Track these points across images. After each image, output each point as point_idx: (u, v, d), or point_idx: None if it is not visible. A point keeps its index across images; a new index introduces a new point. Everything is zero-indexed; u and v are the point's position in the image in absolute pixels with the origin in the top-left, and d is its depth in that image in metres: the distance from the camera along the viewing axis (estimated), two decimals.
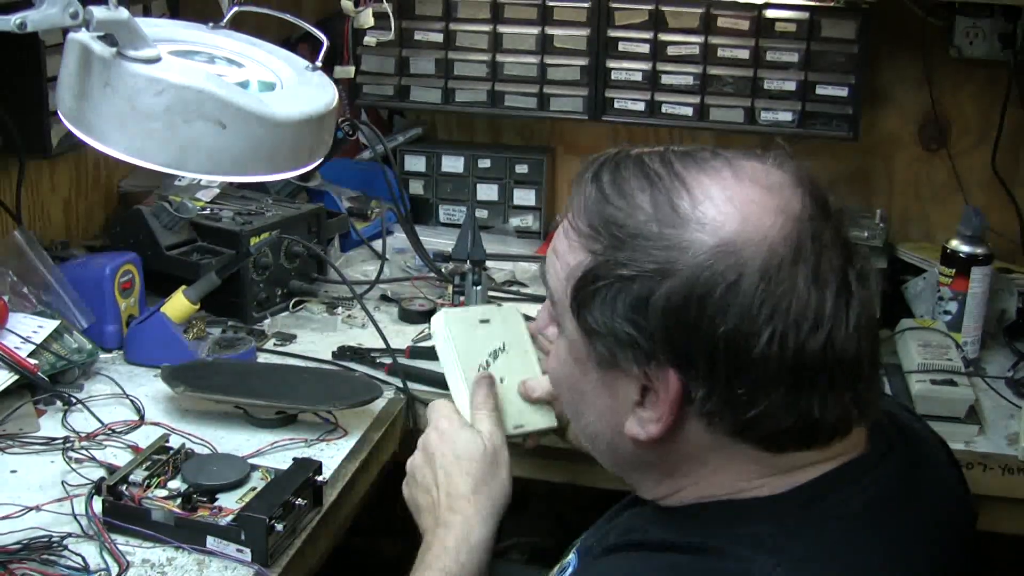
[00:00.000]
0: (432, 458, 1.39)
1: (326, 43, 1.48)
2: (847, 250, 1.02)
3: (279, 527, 1.36)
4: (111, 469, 1.49)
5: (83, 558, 1.33)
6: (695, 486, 1.08)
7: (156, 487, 1.42)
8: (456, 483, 1.35)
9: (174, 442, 1.53)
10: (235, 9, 1.50)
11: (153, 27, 1.37)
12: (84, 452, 1.57)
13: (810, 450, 1.04)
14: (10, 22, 1.22)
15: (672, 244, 0.99)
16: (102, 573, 1.31)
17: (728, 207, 1.00)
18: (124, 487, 1.41)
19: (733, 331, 0.97)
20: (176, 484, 1.43)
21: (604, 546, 1.13)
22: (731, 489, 1.06)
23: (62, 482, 1.49)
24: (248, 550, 1.35)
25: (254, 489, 1.44)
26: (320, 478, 1.48)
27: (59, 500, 1.45)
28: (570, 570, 1.22)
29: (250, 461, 1.51)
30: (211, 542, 1.36)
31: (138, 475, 1.43)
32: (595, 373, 1.08)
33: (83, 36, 1.26)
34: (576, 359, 1.10)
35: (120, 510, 1.39)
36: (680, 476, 1.09)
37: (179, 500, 1.39)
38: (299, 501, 1.42)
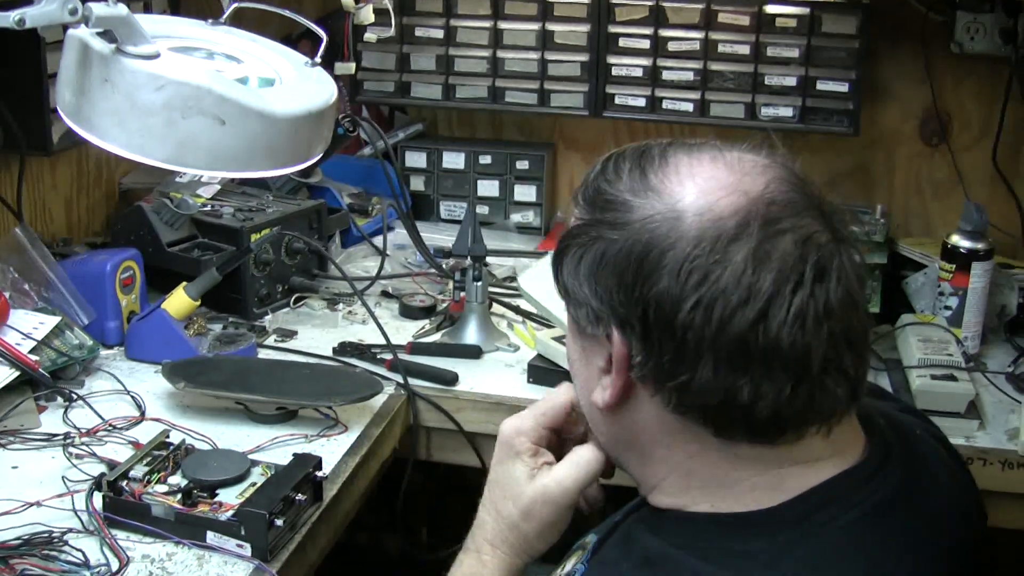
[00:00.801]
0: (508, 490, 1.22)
1: (325, 39, 1.49)
2: (826, 248, 0.99)
3: (279, 522, 1.37)
4: (112, 465, 1.50)
5: (83, 553, 1.33)
6: (672, 478, 1.07)
7: (156, 483, 1.43)
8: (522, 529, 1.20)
9: (174, 438, 1.53)
10: (235, 5, 1.51)
11: (152, 23, 1.38)
12: (85, 448, 1.57)
13: (762, 445, 1.01)
14: (9, 18, 1.23)
15: (627, 208, 1.02)
16: (102, 568, 1.32)
17: (688, 182, 1.02)
18: (124, 483, 1.41)
19: (662, 293, 0.97)
20: (176, 480, 1.44)
21: (608, 556, 1.12)
22: (713, 480, 1.04)
23: (63, 478, 1.49)
24: (248, 545, 1.35)
25: (254, 484, 1.44)
26: (320, 473, 1.48)
27: (60, 496, 1.45)
28: None
29: (250, 457, 1.51)
30: (211, 537, 1.36)
31: (139, 471, 1.43)
32: (578, 342, 1.10)
33: (82, 32, 1.27)
34: (570, 329, 1.12)
35: (120, 506, 1.39)
36: (657, 461, 1.07)
37: (179, 496, 1.40)
38: (299, 496, 1.42)
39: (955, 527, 1.11)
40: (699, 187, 1.00)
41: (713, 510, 1.05)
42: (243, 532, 1.35)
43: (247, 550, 1.35)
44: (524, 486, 1.19)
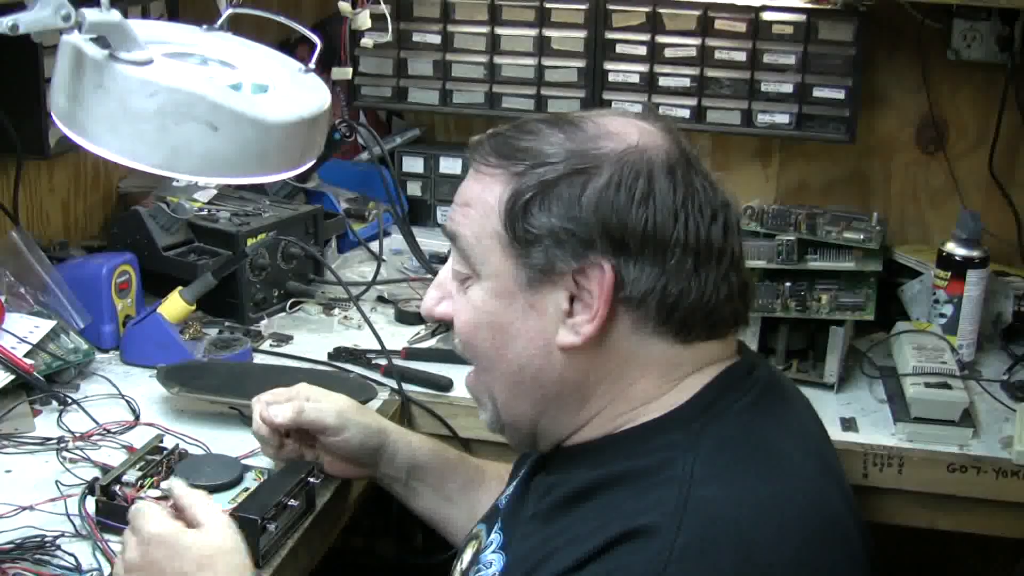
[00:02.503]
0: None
1: (319, 45, 1.49)
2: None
3: (272, 527, 1.37)
4: (105, 469, 1.50)
5: (75, 558, 1.33)
6: (608, 408, 1.20)
7: (149, 487, 1.43)
8: None
9: (168, 442, 1.54)
10: (229, 11, 1.51)
11: (146, 29, 1.38)
12: (79, 452, 1.57)
13: (711, 340, 1.20)
14: (2, 24, 1.23)
15: (588, 151, 1.16)
16: (94, 573, 1.32)
17: (623, 127, 1.19)
18: (117, 487, 1.41)
19: (656, 213, 1.14)
20: (169, 484, 1.43)
21: (526, 519, 1.22)
22: (640, 404, 1.19)
23: (56, 482, 1.49)
24: None
25: (247, 490, 1.44)
26: (313, 479, 1.49)
27: (53, 500, 1.45)
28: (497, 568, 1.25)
29: (244, 462, 1.51)
30: None
31: (131, 475, 1.43)
32: (522, 298, 1.18)
33: (75, 38, 1.27)
34: (499, 293, 1.20)
35: (113, 510, 1.39)
36: (598, 396, 1.20)
37: (172, 500, 1.40)
38: (292, 502, 1.42)
39: (814, 417, 1.34)
40: (637, 129, 1.18)
41: (636, 423, 1.19)
42: None
43: None
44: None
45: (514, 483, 1.38)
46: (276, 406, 1.51)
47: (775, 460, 1.16)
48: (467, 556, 1.36)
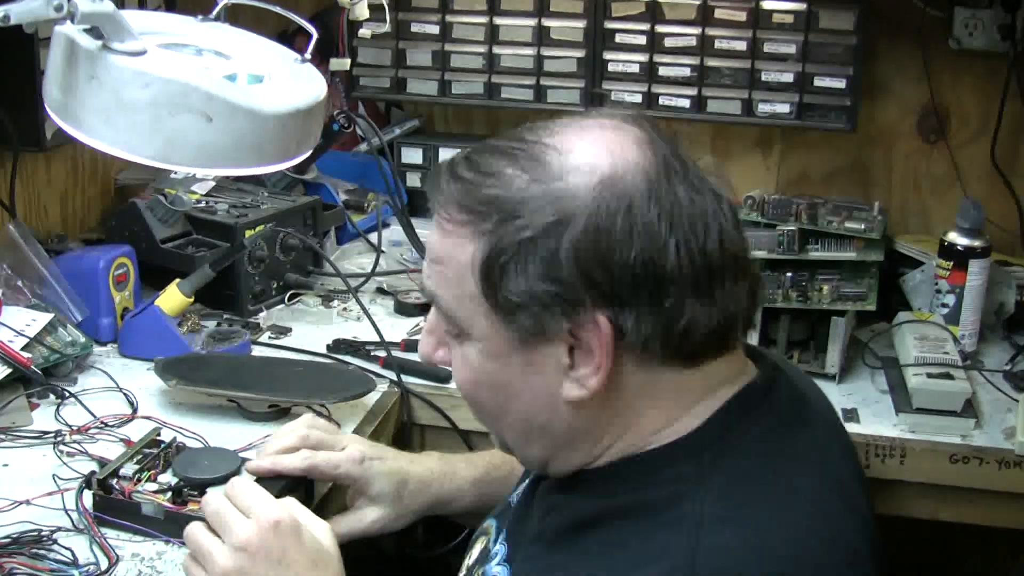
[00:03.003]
0: (277, 565, 1.18)
1: (315, 35, 1.48)
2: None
3: None
4: (103, 463, 1.49)
5: (72, 552, 1.32)
6: (620, 440, 1.13)
7: (147, 481, 1.42)
8: None
9: (166, 435, 1.53)
10: (225, 1, 1.50)
11: (141, 19, 1.37)
12: (76, 446, 1.57)
13: (720, 357, 1.11)
14: None
15: (558, 195, 1.04)
16: (91, 567, 1.31)
17: (593, 148, 1.07)
18: (115, 481, 1.40)
19: (644, 251, 1.03)
20: (167, 478, 1.43)
21: (531, 537, 1.16)
22: (650, 434, 1.12)
23: (53, 476, 1.48)
24: None
25: None
26: None
27: (50, 494, 1.44)
28: None
29: (242, 455, 1.50)
30: None
31: (129, 469, 1.42)
32: (517, 357, 1.10)
33: (68, 29, 1.26)
34: (493, 355, 1.12)
35: (110, 504, 1.39)
36: (610, 433, 1.13)
37: (169, 494, 1.39)
38: (290, 496, 1.41)
39: (836, 430, 1.27)
40: (608, 150, 1.06)
41: (644, 450, 1.12)
42: None
43: None
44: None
45: (524, 483, 1.33)
46: (285, 458, 1.44)
47: (791, 497, 1.08)
48: (476, 551, 1.33)
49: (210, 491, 1.30)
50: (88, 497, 1.40)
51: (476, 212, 1.08)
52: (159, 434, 1.53)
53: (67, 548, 1.33)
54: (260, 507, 1.20)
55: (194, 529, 1.22)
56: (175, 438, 1.53)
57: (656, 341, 1.06)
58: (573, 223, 1.03)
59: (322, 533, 1.23)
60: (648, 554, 1.02)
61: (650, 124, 1.11)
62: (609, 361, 1.06)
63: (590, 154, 1.06)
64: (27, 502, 1.43)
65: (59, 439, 1.58)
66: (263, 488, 1.25)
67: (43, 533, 1.35)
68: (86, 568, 1.31)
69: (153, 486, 1.41)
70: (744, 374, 1.16)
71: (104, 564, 1.31)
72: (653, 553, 1.02)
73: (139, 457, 1.45)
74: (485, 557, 1.28)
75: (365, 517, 1.49)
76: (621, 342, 1.06)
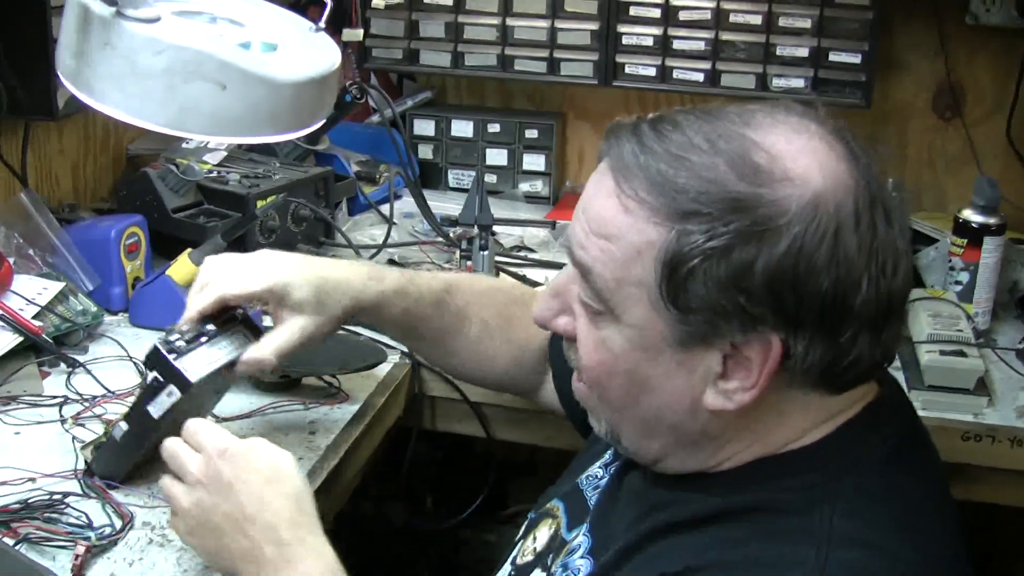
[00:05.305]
0: (230, 489, 1.18)
1: (329, 4, 1.47)
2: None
3: None
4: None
5: (87, 515, 1.32)
6: (747, 450, 1.08)
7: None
8: (277, 509, 1.17)
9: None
10: None
11: None
12: (86, 414, 1.57)
13: (864, 384, 1.07)
14: None
15: (766, 203, 0.97)
16: (107, 528, 1.31)
17: (803, 159, 0.99)
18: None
19: (838, 283, 0.97)
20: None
21: (637, 530, 1.10)
22: (779, 445, 1.07)
23: (64, 443, 1.48)
24: None
25: None
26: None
27: (61, 461, 1.44)
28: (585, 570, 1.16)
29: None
30: None
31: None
32: (669, 355, 1.04)
33: None
34: (642, 346, 1.05)
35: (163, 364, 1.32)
36: (740, 441, 1.08)
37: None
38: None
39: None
40: (817, 163, 0.99)
41: (771, 455, 1.08)
42: None
43: None
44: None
45: (600, 467, 1.28)
46: (196, 300, 1.38)
47: (916, 521, 1.04)
48: (542, 535, 1.27)
49: (167, 440, 1.25)
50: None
51: (670, 198, 0.99)
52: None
53: (81, 511, 1.33)
54: (208, 439, 1.21)
55: (162, 482, 1.24)
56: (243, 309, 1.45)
57: (818, 370, 1.01)
58: (776, 241, 0.96)
59: (280, 457, 1.20)
60: (771, 559, 0.99)
61: (851, 136, 1.04)
62: (766, 381, 1.01)
63: (801, 165, 0.98)
64: (38, 471, 1.42)
65: (70, 407, 1.58)
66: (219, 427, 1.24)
67: (54, 497, 1.35)
68: (101, 529, 1.31)
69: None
70: (872, 391, 1.11)
71: (119, 525, 1.32)
72: (780, 562, 0.98)
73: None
74: (561, 546, 1.22)
75: (290, 328, 1.39)
76: (782, 364, 1.01)
